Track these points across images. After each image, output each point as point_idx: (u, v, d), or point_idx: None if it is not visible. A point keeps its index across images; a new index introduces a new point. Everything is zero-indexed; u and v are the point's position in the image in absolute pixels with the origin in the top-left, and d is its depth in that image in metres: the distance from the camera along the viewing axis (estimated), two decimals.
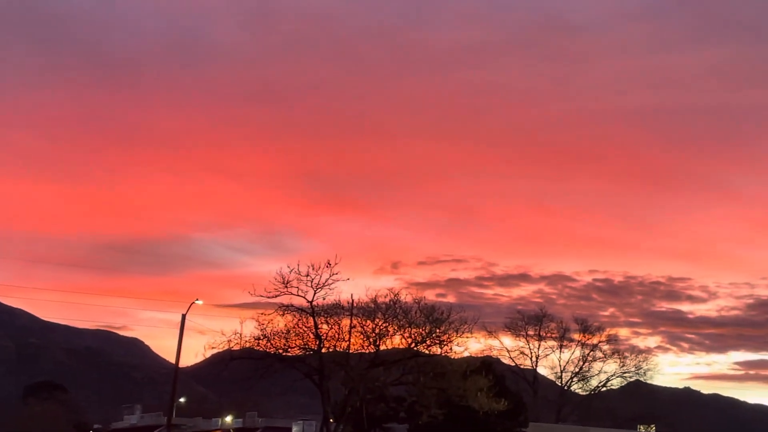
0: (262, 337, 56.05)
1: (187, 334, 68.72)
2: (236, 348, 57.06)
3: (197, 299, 69.82)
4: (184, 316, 68.23)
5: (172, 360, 73.14)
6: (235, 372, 61.83)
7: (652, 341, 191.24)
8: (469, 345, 61.03)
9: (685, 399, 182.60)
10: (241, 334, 56.19)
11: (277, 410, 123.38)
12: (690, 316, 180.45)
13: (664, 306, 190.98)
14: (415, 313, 57.50)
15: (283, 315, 55.61)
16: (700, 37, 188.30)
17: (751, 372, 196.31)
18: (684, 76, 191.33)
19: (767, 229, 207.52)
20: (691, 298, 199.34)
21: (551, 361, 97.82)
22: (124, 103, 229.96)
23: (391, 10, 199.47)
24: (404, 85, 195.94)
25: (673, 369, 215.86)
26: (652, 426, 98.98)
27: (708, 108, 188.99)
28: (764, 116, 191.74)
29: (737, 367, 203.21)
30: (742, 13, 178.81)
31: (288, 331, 56.41)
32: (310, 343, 56.34)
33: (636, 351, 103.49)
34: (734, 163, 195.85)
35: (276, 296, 54.52)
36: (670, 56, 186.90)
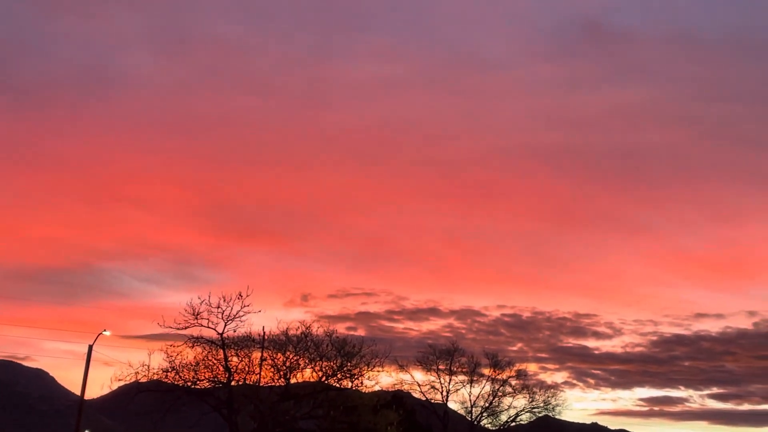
0: (170, 369, 55.27)
1: (94, 365, 67.27)
2: (144, 380, 56.12)
3: (104, 330, 68.44)
4: (90, 347, 66.83)
5: (78, 391, 71.54)
6: (142, 404, 60.71)
7: (560, 377, 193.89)
8: (380, 379, 61.22)
9: None
10: (149, 366, 55.36)
11: None
12: (596, 352, 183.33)
13: (571, 342, 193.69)
14: (327, 346, 57.50)
15: (192, 347, 55.00)
16: (607, 78, 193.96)
17: (656, 408, 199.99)
18: (591, 116, 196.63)
19: (671, 266, 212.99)
20: (597, 335, 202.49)
21: (461, 395, 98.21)
22: (32, 129, 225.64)
23: (306, 43, 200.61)
24: (317, 117, 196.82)
25: (580, 404, 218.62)
26: None
27: (615, 147, 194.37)
28: (668, 156, 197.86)
29: (642, 403, 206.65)
30: (648, 55, 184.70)
31: (197, 364, 55.76)
32: (219, 376, 55.75)
33: (544, 386, 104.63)
34: (640, 201, 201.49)
35: (186, 328, 53.98)
36: (578, 96, 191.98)
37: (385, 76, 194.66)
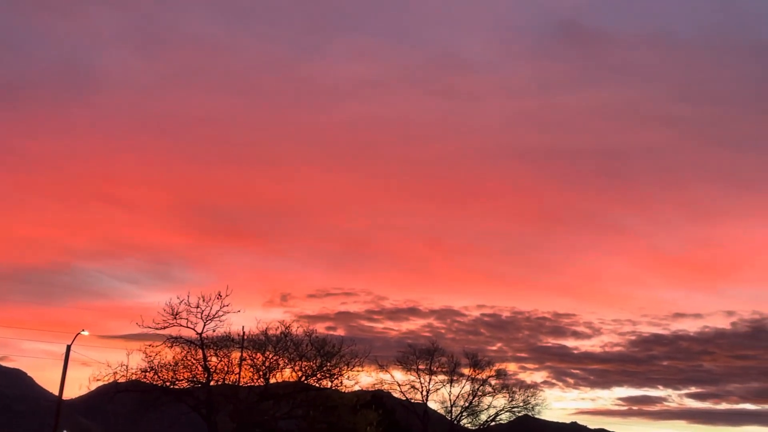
0: (149, 369, 55.08)
1: (72, 365, 66.79)
2: (122, 380, 55.90)
3: (83, 330, 68.02)
4: (69, 347, 66.40)
5: (56, 391, 71.06)
6: (120, 404, 60.53)
7: (539, 376, 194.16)
8: (360, 379, 61.19)
9: None
10: (127, 366, 55.15)
11: None
12: (575, 351, 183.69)
13: (550, 341, 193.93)
14: (306, 346, 57.43)
15: (171, 347, 54.80)
16: (586, 79, 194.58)
17: (634, 407, 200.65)
18: (571, 117, 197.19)
19: (649, 267, 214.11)
20: (576, 334, 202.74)
21: (441, 395, 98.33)
22: (10, 129, 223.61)
23: (285, 42, 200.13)
24: (297, 117, 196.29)
25: (560, 404, 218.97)
26: None
27: (594, 148, 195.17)
28: (647, 157, 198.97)
29: (621, 402, 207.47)
30: (627, 56, 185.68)
31: (176, 364, 55.55)
32: (198, 376, 55.58)
33: (524, 386, 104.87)
34: (619, 202, 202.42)
35: (165, 328, 53.80)
36: (558, 97, 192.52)
37: (366, 76, 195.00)
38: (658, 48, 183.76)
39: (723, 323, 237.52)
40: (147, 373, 55.17)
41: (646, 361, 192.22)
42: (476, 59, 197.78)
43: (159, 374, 55.27)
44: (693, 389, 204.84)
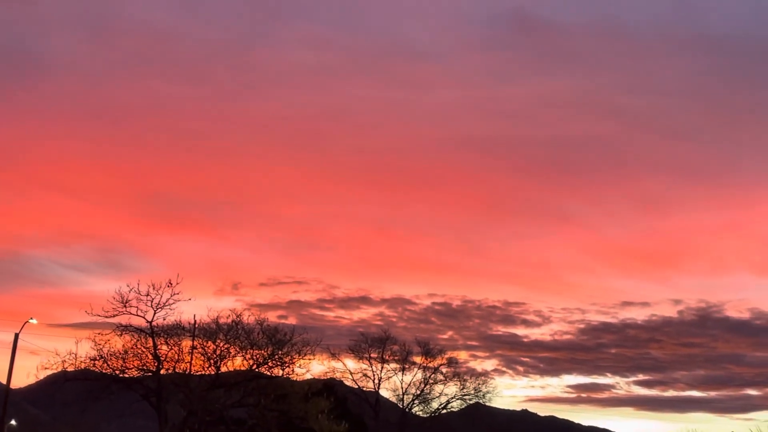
0: (98, 358, 54.63)
1: (20, 354, 66.14)
2: (71, 369, 55.43)
3: (31, 318, 67.31)
4: (17, 336, 65.70)
5: (4, 380, 70.20)
6: (69, 393, 59.98)
7: (490, 364, 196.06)
8: (312, 367, 61.27)
9: (523, 421, 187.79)
10: (76, 355, 54.66)
11: None
12: (525, 339, 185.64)
13: (501, 330, 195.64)
14: (258, 334, 57.33)
15: (121, 335, 54.42)
16: (536, 69, 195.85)
17: (583, 395, 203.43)
18: (521, 107, 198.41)
19: (599, 255, 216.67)
20: (526, 323, 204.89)
21: (393, 383, 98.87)
22: None
23: (234, 30, 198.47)
24: (247, 105, 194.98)
25: (510, 392, 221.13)
26: None
27: (543, 138, 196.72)
28: (596, 147, 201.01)
29: (570, 390, 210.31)
30: (576, 47, 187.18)
31: (126, 352, 55.20)
32: (148, 364, 55.27)
33: (475, 374, 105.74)
34: (568, 192, 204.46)
35: (114, 316, 53.37)
36: (507, 87, 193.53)
37: (315, 64, 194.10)
38: (607, 39, 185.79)
39: (670, 312, 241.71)
40: (96, 362, 54.77)
41: (595, 349, 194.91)
42: (425, 48, 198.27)
43: (108, 363, 54.88)
44: (641, 377, 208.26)
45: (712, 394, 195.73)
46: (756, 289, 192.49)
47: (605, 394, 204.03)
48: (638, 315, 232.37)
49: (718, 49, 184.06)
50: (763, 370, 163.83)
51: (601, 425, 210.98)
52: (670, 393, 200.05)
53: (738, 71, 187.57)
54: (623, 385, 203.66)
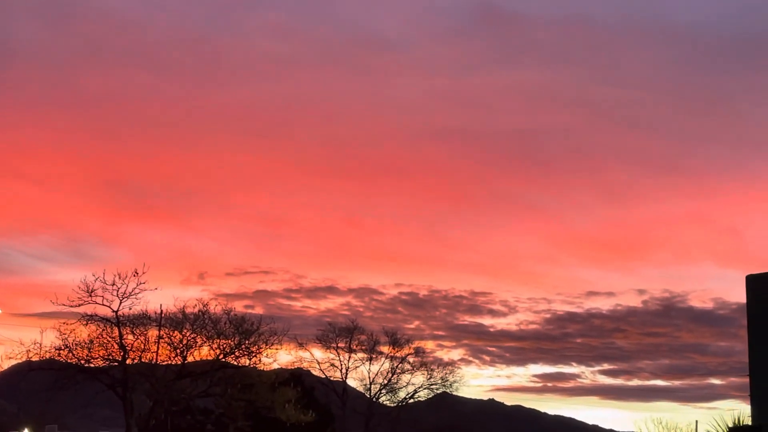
0: (63, 348, 54.18)
1: None
2: (36, 358, 55.00)
3: None
4: None
5: None
6: (34, 383, 59.62)
7: (456, 354, 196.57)
8: (279, 357, 61.28)
9: (489, 410, 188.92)
10: (41, 344, 54.25)
11: (78, 423, 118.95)
12: (491, 329, 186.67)
13: (467, 319, 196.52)
14: (225, 324, 57.24)
15: (86, 325, 54.02)
16: (502, 59, 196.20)
17: (549, 384, 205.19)
18: (487, 97, 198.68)
19: (564, 245, 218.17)
20: (492, 312, 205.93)
21: (361, 373, 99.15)
22: None
23: (198, 18, 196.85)
24: (212, 93, 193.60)
25: (477, 381, 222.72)
26: None
27: (510, 129, 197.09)
28: (562, 138, 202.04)
29: (536, 379, 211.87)
30: (543, 38, 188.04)
31: (91, 342, 54.83)
32: (114, 354, 54.96)
33: (441, 363, 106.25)
34: (534, 182, 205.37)
35: (79, 305, 52.92)
36: (474, 77, 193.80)
37: (280, 53, 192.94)
38: (574, 30, 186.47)
39: (634, 301, 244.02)
40: (61, 352, 54.34)
41: (561, 338, 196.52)
42: (392, 37, 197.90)
43: (74, 352, 54.47)
44: (606, 366, 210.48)
45: (676, 383, 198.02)
46: (719, 279, 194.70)
47: (571, 384, 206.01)
48: (603, 305, 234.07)
49: (683, 40, 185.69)
50: (726, 360, 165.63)
51: (567, 414, 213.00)
52: (635, 382, 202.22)
53: (703, 63, 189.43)
54: (588, 374, 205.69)
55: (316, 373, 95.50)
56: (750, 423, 28.17)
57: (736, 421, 28.74)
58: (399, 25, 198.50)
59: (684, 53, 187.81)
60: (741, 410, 30.09)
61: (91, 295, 52.88)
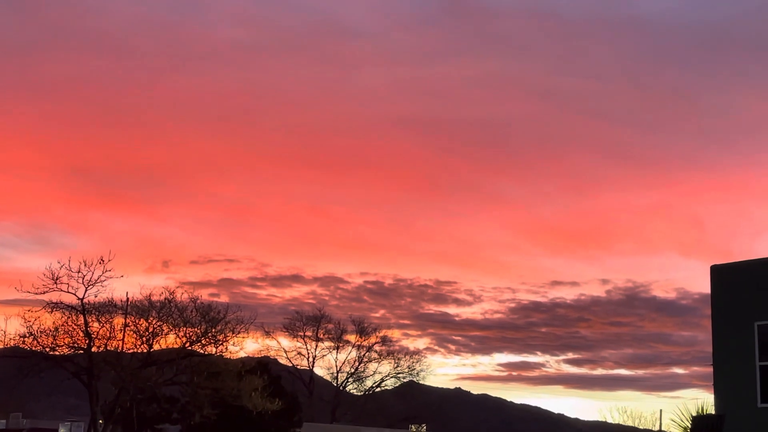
0: (27, 335, 53.76)
1: None
2: (0, 346, 54.65)
3: None
4: None
5: None
6: None
7: (422, 343, 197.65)
8: (246, 345, 61.18)
9: (456, 399, 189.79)
10: (5, 332, 53.88)
11: (43, 411, 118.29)
12: (456, 318, 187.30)
13: (432, 309, 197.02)
14: (191, 312, 57.08)
15: (51, 312, 53.64)
16: (466, 49, 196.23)
17: (514, 373, 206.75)
18: (451, 86, 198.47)
19: (529, 235, 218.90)
20: (458, 301, 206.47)
21: (328, 361, 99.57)
22: None
23: (161, 4, 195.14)
24: (177, 80, 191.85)
25: (443, 370, 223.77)
26: (423, 425, 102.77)
27: (474, 118, 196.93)
28: (527, 128, 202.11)
29: (501, 368, 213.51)
30: (507, 27, 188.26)
31: (56, 329, 54.47)
32: (79, 342, 54.65)
33: (408, 352, 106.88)
34: (499, 171, 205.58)
35: (44, 293, 52.49)
36: (439, 67, 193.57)
37: (244, 40, 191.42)
38: (538, 21, 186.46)
39: (598, 291, 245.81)
40: (26, 339, 53.90)
41: (525, 327, 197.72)
42: (356, 26, 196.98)
43: (38, 340, 54.02)
44: (570, 355, 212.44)
45: (640, 372, 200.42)
46: (682, 269, 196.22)
47: (536, 373, 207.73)
48: (567, 294, 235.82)
49: (647, 31, 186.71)
50: (689, 349, 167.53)
51: (532, 403, 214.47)
52: (599, 371, 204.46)
53: (666, 54, 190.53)
54: (553, 363, 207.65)
55: (282, 361, 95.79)
56: (713, 412, 28.59)
57: (700, 410, 29.19)
58: (363, 13, 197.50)
59: (647, 44, 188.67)
60: (704, 399, 30.55)
61: (56, 283, 52.45)
